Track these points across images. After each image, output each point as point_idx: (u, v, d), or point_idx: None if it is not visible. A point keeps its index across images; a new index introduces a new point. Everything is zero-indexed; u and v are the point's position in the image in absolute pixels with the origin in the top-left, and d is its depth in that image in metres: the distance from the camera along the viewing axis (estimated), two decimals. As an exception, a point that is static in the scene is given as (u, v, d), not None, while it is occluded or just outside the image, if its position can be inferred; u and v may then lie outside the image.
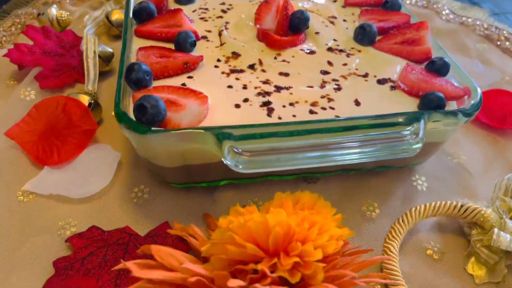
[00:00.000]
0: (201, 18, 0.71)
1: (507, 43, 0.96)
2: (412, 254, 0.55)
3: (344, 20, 0.74)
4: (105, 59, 0.77)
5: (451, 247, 0.57)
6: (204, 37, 0.67)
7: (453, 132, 0.61)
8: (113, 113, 0.70)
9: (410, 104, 0.58)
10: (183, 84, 0.57)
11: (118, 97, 0.53)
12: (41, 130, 0.64)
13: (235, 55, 0.63)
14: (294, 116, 0.55)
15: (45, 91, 0.74)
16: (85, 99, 0.67)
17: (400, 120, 0.52)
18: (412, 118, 0.53)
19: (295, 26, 0.67)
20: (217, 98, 0.55)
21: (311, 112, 0.56)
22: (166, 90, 0.55)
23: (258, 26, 0.68)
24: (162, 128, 0.50)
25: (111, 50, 0.79)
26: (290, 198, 0.48)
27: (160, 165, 0.56)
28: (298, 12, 0.67)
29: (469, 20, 1.02)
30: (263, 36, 0.66)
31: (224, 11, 0.74)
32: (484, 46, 0.95)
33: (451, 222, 0.59)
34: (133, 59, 0.60)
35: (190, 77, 0.59)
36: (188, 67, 0.59)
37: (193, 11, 0.73)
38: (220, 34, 0.68)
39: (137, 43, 0.64)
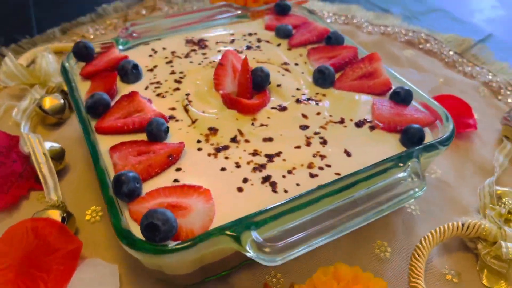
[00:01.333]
0: (158, 95, 0.67)
1: (428, 44, 1.04)
2: (436, 284, 0.58)
3: (296, 64, 0.75)
4: (57, 158, 0.69)
5: (464, 266, 0.60)
6: (172, 117, 0.63)
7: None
8: (87, 218, 0.64)
9: (393, 141, 0.60)
10: (176, 180, 0.53)
11: (117, 220, 0.47)
12: (16, 265, 0.56)
13: (213, 130, 0.61)
14: (298, 185, 0.54)
15: (-1, 214, 0.65)
16: (55, 214, 0.60)
17: (399, 164, 0.54)
18: (406, 158, 0.55)
19: (257, 84, 0.66)
20: (216, 186, 0.53)
21: (312, 175, 0.55)
22: (162, 193, 0.51)
23: (221, 91, 0.66)
24: (180, 243, 0.46)
25: (59, 146, 0.71)
26: (331, 276, 0.47)
27: (174, 274, 0.52)
28: (258, 69, 0.66)
29: (389, 29, 1.09)
30: (232, 103, 0.64)
31: (178, 81, 0.70)
32: (410, 52, 1.02)
33: (453, 240, 0.63)
34: (107, 161, 0.55)
35: (178, 169, 0.55)
36: (173, 159, 0.55)
37: (146, 88, 0.69)
38: (186, 110, 0.64)
39: (102, 141, 0.58)
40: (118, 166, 0.54)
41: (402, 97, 0.65)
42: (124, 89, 0.68)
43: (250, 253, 0.46)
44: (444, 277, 0.58)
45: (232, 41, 0.80)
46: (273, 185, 0.54)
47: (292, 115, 0.64)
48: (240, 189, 0.53)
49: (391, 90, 0.67)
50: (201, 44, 0.79)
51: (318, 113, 0.64)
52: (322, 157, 0.58)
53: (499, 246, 0.57)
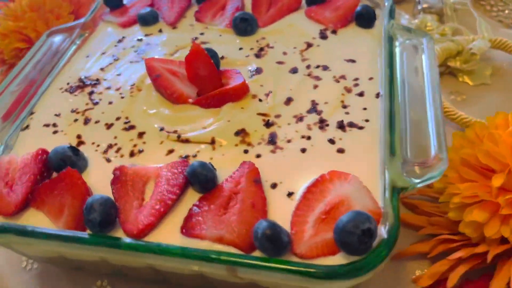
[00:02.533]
0: (122, 156, 0.49)
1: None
2: None
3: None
4: None
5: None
6: (194, 156, 0.48)
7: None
8: None
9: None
10: (290, 194, 0.43)
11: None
12: None
13: (241, 133, 0.49)
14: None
15: None
16: None
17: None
18: None
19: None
20: (312, 165, 0.44)
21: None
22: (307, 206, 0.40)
23: (190, 100, 0.53)
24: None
25: None
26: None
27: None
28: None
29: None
30: (220, 99, 0.52)
31: (128, 128, 0.52)
32: None
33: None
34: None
35: (290, 194, 0.44)
36: (258, 181, 0.43)
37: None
38: (184, 141, 0.50)
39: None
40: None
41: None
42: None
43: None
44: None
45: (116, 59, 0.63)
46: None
47: (267, 69, 0.57)
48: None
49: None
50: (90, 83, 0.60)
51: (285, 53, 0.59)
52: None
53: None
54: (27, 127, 0.55)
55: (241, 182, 0.43)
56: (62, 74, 0.62)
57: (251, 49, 0.61)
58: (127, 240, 0.41)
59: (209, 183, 0.43)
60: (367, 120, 0.49)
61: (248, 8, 0.67)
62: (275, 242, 0.38)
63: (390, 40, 0.57)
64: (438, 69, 0.53)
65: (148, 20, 0.67)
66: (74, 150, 0.48)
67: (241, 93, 0.53)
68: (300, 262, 0.38)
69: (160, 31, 0.67)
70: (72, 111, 0.56)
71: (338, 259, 0.38)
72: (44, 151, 0.49)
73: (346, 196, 0.41)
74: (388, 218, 0.39)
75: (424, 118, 0.47)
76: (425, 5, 0.79)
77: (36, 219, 0.45)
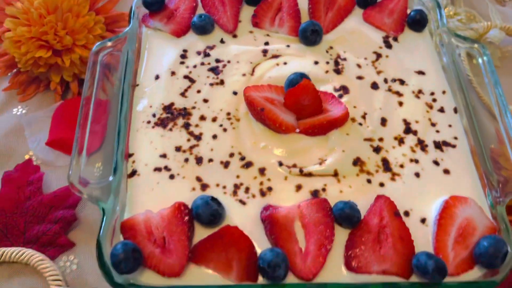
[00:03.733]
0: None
1: None
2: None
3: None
4: None
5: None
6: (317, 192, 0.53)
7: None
8: None
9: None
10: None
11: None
12: None
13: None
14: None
15: None
16: None
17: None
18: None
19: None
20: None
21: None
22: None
23: (297, 130, 0.56)
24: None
25: None
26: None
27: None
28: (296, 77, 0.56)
29: None
30: (328, 125, 0.56)
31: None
32: None
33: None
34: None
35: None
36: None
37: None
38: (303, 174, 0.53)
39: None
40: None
41: None
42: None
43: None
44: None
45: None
46: (445, 144, 0.57)
47: (352, 88, 0.61)
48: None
49: None
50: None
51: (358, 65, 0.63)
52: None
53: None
54: (134, 173, 0.54)
55: (384, 216, 0.50)
56: (136, 101, 0.59)
57: (327, 63, 0.63)
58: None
59: (357, 221, 0.50)
60: (455, 138, 0.57)
61: (302, 8, 0.67)
62: (442, 270, 0.46)
63: (445, 48, 0.63)
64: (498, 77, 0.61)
65: (206, 29, 0.64)
66: (217, 202, 0.50)
67: (345, 120, 0.57)
68: (478, 281, 0.48)
69: (222, 41, 0.64)
70: (177, 149, 0.55)
71: (475, 272, 0.49)
72: (185, 206, 0.50)
73: (470, 218, 0.50)
74: (502, 232, 0.50)
75: (497, 129, 0.57)
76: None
77: (199, 275, 0.48)
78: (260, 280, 0.47)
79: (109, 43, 0.61)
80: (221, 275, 0.48)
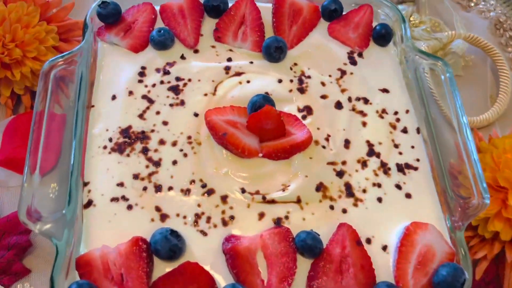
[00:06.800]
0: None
1: None
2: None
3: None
4: None
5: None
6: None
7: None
8: None
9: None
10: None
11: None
12: None
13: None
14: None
15: None
16: None
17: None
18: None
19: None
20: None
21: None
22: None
23: (260, 155, 0.54)
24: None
25: None
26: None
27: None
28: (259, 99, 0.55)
29: None
30: (292, 149, 0.54)
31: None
32: None
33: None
34: None
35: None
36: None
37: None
38: (270, 202, 0.53)
39: None
40: None
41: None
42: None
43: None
44: None
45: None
46: (408, 167, 0.57)
47: (315, 108, 0.60)
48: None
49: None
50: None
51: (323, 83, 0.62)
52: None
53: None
54: (90, 203, 0.51)
55: (346, 245, 0.50)
56: (92, 124, 0.56)
57: (291, 81, 0.61)
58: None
59: (319, 252, 0.49)
60: (417, 160, 0.58)
61: (266, 20, 0.65)
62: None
63: (409, 63, 0.63)
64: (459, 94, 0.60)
65: (166, 45, 0.61)
66: (177, 235, 0.48)
67: (308, 144, 0.55)
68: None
69: (183, 57, 0.62)
70: (135, 177, 0.53)
71: (434, 299, 0.50)
72: (143, 240, 0.48)
73: (430, 245, 0.51)
74: (460, 257, 0.51)
75: (460, 152, 0.57)
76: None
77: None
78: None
79: (61, 60, 0.58)
80: (181, 312, 0.47)
